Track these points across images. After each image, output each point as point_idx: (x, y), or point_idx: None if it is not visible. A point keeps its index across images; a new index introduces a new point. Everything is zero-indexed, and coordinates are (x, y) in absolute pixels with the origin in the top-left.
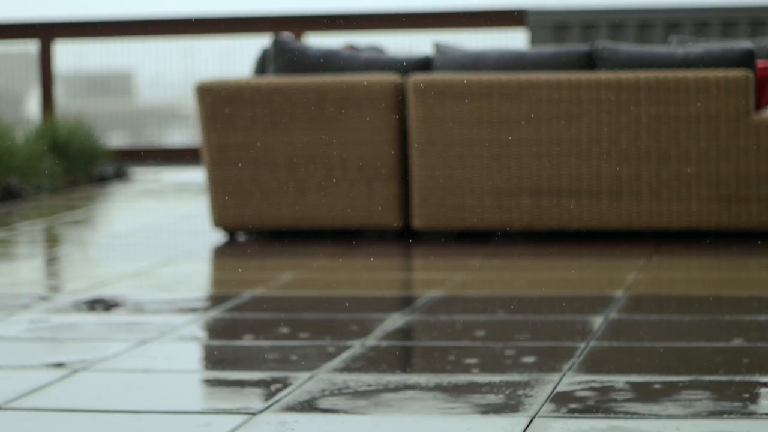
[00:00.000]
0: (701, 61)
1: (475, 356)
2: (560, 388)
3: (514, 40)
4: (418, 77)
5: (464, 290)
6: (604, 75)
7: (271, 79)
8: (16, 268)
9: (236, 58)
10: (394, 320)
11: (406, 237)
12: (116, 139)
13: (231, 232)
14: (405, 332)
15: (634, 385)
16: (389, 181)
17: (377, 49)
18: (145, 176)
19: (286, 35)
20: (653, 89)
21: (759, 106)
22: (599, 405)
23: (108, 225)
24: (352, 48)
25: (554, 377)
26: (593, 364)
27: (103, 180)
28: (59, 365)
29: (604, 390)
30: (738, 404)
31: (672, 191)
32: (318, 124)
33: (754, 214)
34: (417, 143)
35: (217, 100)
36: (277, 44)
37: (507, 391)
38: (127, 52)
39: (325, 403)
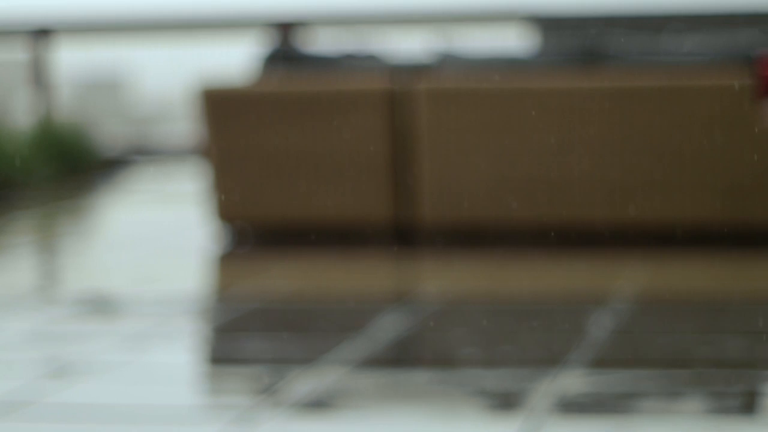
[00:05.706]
0: (702, 61)
1: (476, 356)
2: (561, 388)
3: (514, 40)
4: (421, 80)
5: (464, 290)
6: (606, 77)
7: (270, 81)
8: (12, 270)
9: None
10: (394, 319)
11: (405, 238)
12: (113, 140)
13: (230, 233)
14: (405, 332)
15: (636, 385)
16: (389, 182)
17: (376, 51)
18: (143, 177)
19: (285, 37)
20: (655, 90)
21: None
22: (601, 405)
23: (105, 225)
24: (350, 51)
25: (555, 377)
26: (594, 364)
27: (100, 180)
28: (55, 366)
29: (606, 390)
30: (740, 405)
31: (683, 190)
32: (318, 126)
33: (756, 216)
34: (420, 147)
35: (217, 102)
36: (277, 46)
37: (508, 391)
38: (125, 52)
39: (325, 403)
